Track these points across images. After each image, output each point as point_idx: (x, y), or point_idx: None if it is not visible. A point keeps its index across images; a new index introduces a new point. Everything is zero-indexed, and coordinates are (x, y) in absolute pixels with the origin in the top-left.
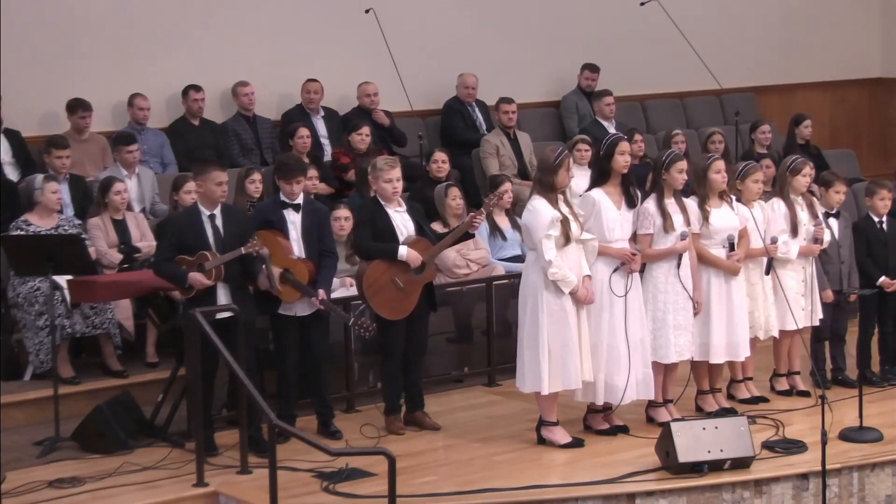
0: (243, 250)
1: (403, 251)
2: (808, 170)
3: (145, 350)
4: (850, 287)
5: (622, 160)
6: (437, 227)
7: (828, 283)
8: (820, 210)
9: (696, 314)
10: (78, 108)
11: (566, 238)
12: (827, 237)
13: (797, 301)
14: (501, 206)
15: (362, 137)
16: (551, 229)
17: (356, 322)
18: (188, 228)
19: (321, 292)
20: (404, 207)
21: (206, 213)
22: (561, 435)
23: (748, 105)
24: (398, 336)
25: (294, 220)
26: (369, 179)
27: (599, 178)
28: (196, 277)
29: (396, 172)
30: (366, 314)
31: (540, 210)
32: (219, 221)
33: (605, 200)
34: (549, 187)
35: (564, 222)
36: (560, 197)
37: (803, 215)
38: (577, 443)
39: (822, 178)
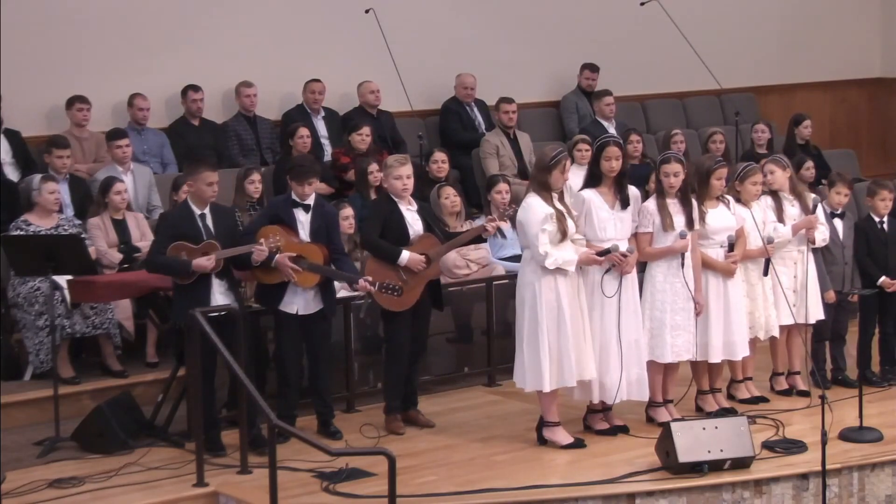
0: (264, 244)
1: (405, 257)
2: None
3: (145, 350)
4: (853, 287)
5: (607, 165)
6: None
7: (830, 283)
8: (822, 209)
9: (697, 314)
10: (76, 101)
11: (563, 234)
12: (821, 236)
13: (788, 297)
14: (501, 205)
15: (362, 137)
16: (545, 224)
17: (382, 285)
18: (183, 223)
19: (362, 281)
20: (415, 206)
21: (197, 211)
22: (563, 436)
23: (748, 105)
24: (404, 334)
25: (303, 220)
26: (379, 177)
27: (591, 179)
28: (201, 262)
29: (406, 170)
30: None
31: (534, 206)
32: (209, 220)
33: (597, 199)
34: (544, 185)
35: (560, 218)
36: (555, 195)
37: (792, 210)
38: (578, 443)
39: (828, 179)
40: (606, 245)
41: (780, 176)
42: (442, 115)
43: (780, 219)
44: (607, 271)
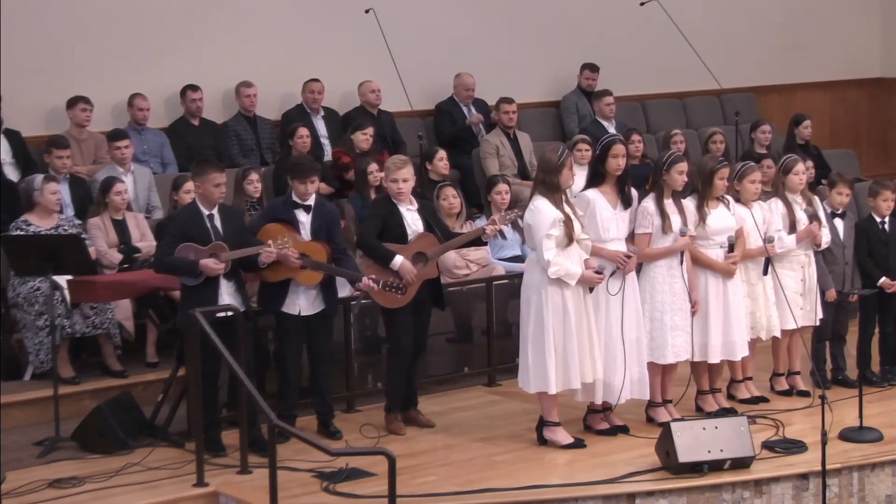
0: (272, 245)
1: (398, 261)
2: (802, 168)
3: (145, 350)
4: (853, 288)
5: (614, 163)
6: None
7: (831, 283)
8: (822, 210)
9: (694, 314)
10: (78, 101)
11: (569, 238)
12: (826, 238)
13: (795, 301)
14: (501, 206)
15: (367, 137)
16: (552, 229)
17: (385, 283)
18: (191, 224)
19: (365, 279)
20: (416, 206)
21: (205, 212)
22: (563, 436)
23: (748, 105)
24: (407, 332)
25: (304, 220)
26: (379, 177)
27: (594, 179)
28: (208, 263)
29: (403, 173)
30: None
31: (542, 210)
32: (217, 221)
33: (600, 200)
34: (553, 187)
35: (567, 223)
36: (563, 197)
37: (801, 214)
38: (578, 443)
39: (829, 179)
40: (609, 245)
41: (804, 176)
42: (436, 117)
43: (792, 224)
44: (612, 273)
